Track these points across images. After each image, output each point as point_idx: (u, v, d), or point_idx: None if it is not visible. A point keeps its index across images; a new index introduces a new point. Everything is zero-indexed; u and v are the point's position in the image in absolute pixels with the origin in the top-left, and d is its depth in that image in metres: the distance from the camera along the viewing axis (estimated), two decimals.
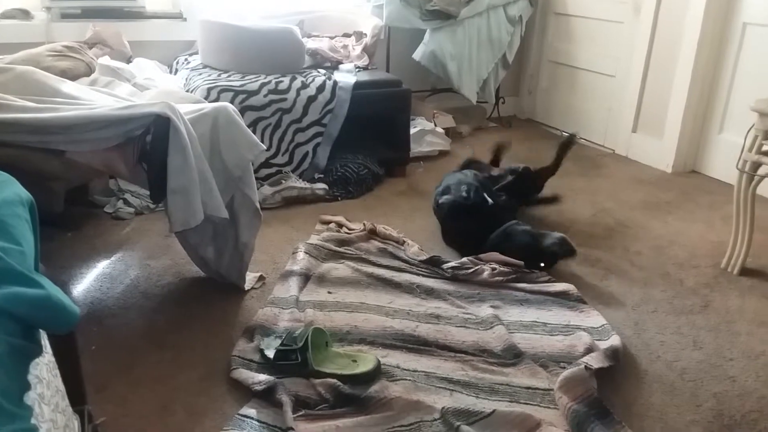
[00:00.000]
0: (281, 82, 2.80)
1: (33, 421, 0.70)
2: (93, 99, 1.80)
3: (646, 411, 1.51)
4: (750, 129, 2.06)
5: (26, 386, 0.72)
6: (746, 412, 1.52)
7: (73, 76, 2.29)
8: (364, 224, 2.42)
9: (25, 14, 2.97)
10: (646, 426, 1.46)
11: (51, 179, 1.70)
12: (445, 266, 2.13)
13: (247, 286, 2.00)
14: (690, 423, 1.48)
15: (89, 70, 2.48)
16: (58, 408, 0.89)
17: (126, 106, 1.62)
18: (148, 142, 1.65)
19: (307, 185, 2.75)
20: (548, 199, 2.67)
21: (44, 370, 0.85)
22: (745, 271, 2.17)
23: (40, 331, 0.80)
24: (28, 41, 2.69)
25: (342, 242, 2.30)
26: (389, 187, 2.95)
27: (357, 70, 3.11)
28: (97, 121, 1.55)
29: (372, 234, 2.37)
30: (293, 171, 2.84)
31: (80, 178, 2.09)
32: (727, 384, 1.62)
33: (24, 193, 0.87)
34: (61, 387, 0.94)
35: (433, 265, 2.16)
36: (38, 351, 0.75)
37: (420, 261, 2.18)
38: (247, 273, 2.00)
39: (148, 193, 1.76)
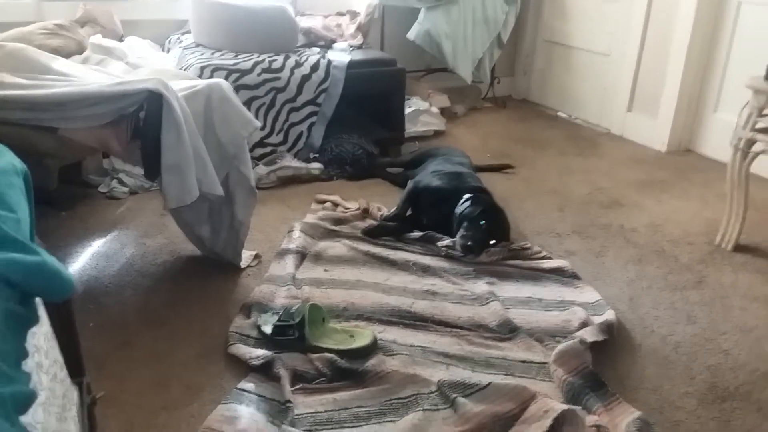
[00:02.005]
0: (275, 60, 2.77)
1: (31, 386, 0.70)
2: (85, 76, 1.79)
3: (640, 383, 1.53)
4: (744, 106, 2.06)
5: (24, 353, 0.72)
6: (739, 384, 1.54)
7: (64, 55, 2.26)
8: (359, 203, 2.42)
9: None
10: (640, 398, 1.48)
11: (44, 156, 1.69)
12: (439, 244, 2.13)
13: (243, 264, 2.00)
14: (684, 395, 1.50)
15: (81, 49, 2.45)
16: (56, 378, 0.89)
17: (118, 83, 1.61)
18: (141, 119, 1.63)
19: (303, 164, 2.74)
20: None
21: (42, 339, 0.85)
22: (738, 248, 2.19)
23: (37, 299, 0.79)
24: (18, 20, 2.65)
25: (338, 221, 2.30)
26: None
27: (351, 49, 3.09)
28: (89, 97, 1.54)
29: (365, 213, 2.37)
30: (288, 151, 2.83)
31: (73, 156, 2.08)
32: (720, 357, 1.63)
33: (18, 163, 0.86)
34: (59, 358, 0.94)
35: (427, 242, 2.16)
36: (35, 319, 0.75)
37: (415, 239, 2.18)
38: (243, 251, 2.00)
39: (142, 172, 1.75)
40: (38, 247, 0.77)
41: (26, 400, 0.65)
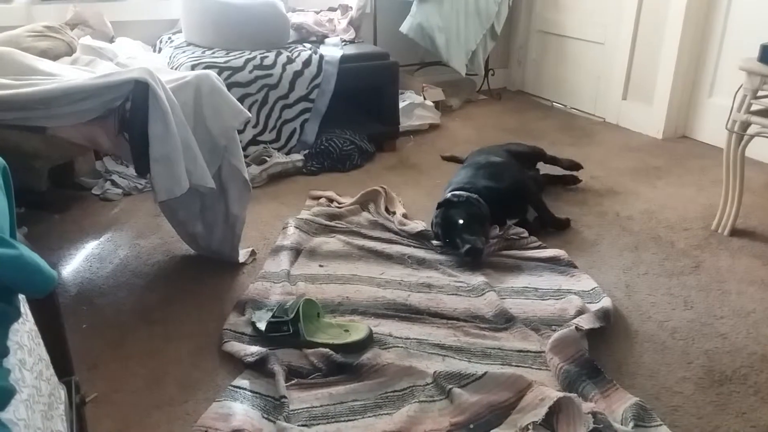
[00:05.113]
0: (266, 57, 2.76)
1: (12, 383, 0.69)
2: (72, 76, 1.77)
3: (637, 369, 1.52)
4: (739, 89, 2.05)
5: (4, 350, 0.71)
6: (737, 367, 1.52)
7: (53, 56, 2.26)
8: (383, 188, 2.45)
9: None
10: (637, 384, 1.47)
11: (32, 158, 1.68)
12: (434, 242, 2.11)
13: (241, 260, 1.99)
14: (681, 380, 1.48)
15: (70, 50, 2.44)
16: (42, 376, 0.88)
17: (103, 75, 1.59)
18: (128, 111, 1.61)
19: (288, 159, 2.73)
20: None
21: (25, 337, 0.84)
22: (735, 232, 2.18)
23: (19, 296, 0.78)
24: (8, 24, 2.64)
25: (332, 216, 2.29)
26: (379, 161, 2.93)
27: (343, 43, 3.08)
28: (74, 92, 1.52)
29: (362, 208, 2.36)
30: (281, 148, 2.82)
31: (62, 156, 2.07)
32: (717, 341, 1.62)
33: None
34: (45, 356, 0.93)
35: (423, 238, 2.14)
36: (15, 315, 0.74)
37: (410, 235, 2.17)
38: (239, 247, 1.99)
39: (135, 173, 1.74)
40: (16, 242, 0.76)
41: (4, 396, 0.64)
